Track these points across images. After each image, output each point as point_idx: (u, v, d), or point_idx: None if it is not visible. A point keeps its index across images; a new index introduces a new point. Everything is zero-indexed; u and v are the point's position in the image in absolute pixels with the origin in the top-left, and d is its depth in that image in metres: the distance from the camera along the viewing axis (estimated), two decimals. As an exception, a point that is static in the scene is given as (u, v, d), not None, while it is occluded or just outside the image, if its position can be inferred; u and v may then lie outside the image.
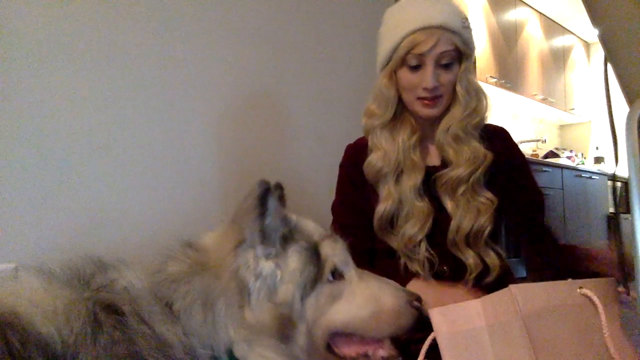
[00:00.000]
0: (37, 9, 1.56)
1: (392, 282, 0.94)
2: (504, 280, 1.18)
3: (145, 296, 0.74)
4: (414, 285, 1.21)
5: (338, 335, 0.87)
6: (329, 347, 0.87)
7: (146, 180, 1.76)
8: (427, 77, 1.20)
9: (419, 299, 0.93)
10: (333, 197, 1.44)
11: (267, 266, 0.80)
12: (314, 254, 0.85)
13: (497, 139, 1.32)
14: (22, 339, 0.61)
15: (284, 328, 0.78)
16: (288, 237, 0.84)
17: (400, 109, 1.31)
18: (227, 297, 0.77)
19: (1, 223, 1.46)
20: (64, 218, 1.57)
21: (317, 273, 0.84)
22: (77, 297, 0.69)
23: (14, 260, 1.42)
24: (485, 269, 1.22)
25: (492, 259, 1.23)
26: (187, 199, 1.85)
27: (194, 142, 1.90)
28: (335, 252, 0.88)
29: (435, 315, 0.83)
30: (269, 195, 0.79)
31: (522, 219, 1.33)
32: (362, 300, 0.87)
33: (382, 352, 0.90)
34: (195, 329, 0.74)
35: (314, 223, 0.92)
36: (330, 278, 0.86)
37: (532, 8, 5.39)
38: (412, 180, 1.26)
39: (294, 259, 0.83)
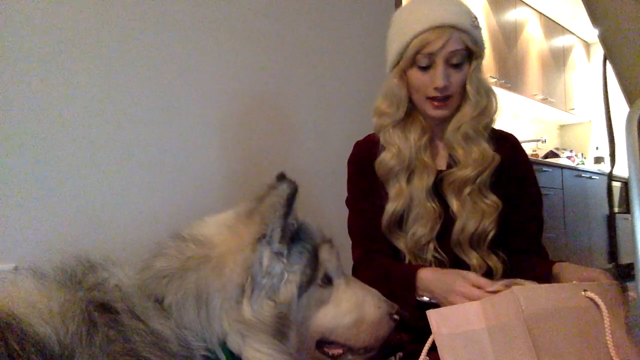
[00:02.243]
0: (37, 9, 1.56)
1: (376, 292, 0.96)
2: None
3: (135, 293, 0.74)
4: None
5: (323, 340, 0.90)
6: (318, 346, 0.90)
7: (147, 180, 1.76)
8: (438, 77, 1.20)
9: (398, 312, 0.95)
10: (336, 195, 1.43)
11: (278, 266, 0.81)
12: (314, 256, 0.87)
13: (506, 145, 1.32)
14: (20, 339, 0.61)
15: (281, 326, 0.79)
16: (294, 237, 0.85)
17: (411, 108, 1.31)
18: (225, 292, 0.77)
19: (1, 223, 1.46)
20: (64, 218, 1.57)
21: (312, 276, 0.85)
22: (71, 298, 0.69)
23: (14, 260, 1.42)
24: (488, 272, 1.22)
25: (494, 262, 1.23)
26: (189, 200, 1.84)
27: (196, 142, 1.90)
28: (330, 257, 0.90)
29: (433, 317, 0.83)
30: (296, 195, 0.80)
31: (513, 232, 1.30)
32: (347, 308, 0.90)
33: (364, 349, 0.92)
34: (188, 323, 0.74)
35: (315, 224, 0.93)
36: (320, 282, 0.88)
37: (532, 8, 5.39)
38: (424, 181, 1.26)
39: (298, 260, 0.84)
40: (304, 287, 0.83)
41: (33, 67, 1.55)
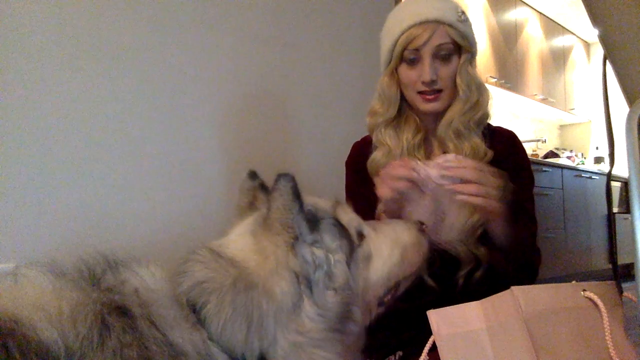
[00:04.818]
0: (37, 9, 1.56)
1: (397, 220, 0.99)
2: (494, 281, 1.12)
3: (159, 299, 0.71)
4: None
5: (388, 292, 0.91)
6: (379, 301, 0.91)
7: (147, 180, 1.76)
8: (425, 71, 1.21)
9: (422, 223, 0.99)
10: (336, 195, 1.44)
11: (319, 254, 0.80)
12: (339, 225, 0.85)
13: (502, 141, 1.31)
14: (22, 347, 0.57)
15: (346, 310, 0.79)
16: (316, 220, 0.83)
17: (404, 107, 1.32)
18: (282, 309, 0.74)
19: (1, 223, 1.46)
20: (64, 218, 1.57)
21: (349, 242, 0.85)
22: (84, 299, 0.65)
23: (14, 260, 1.42)
24: (477, 263, 1.22)
25: (482, 253, 1.22)
26: (189, 199, 1.85)
27: (197, 142, 1.90)
28: (349, 215, 0.90)
29: (433, 317, 0.83)
30: (297, 185, 0.78)
31: None
32: (389, 248, 0.91)
33: None
34: (227, 337, 0.71)
35: (315, 197, 0.91)
36: (357, 243, 0.87)
37: (532, 8, 5.39)
38: None
39: (331, 238, 0.83)
40: (349, 258, 0.83)
41: (33, 67, 1.55)
